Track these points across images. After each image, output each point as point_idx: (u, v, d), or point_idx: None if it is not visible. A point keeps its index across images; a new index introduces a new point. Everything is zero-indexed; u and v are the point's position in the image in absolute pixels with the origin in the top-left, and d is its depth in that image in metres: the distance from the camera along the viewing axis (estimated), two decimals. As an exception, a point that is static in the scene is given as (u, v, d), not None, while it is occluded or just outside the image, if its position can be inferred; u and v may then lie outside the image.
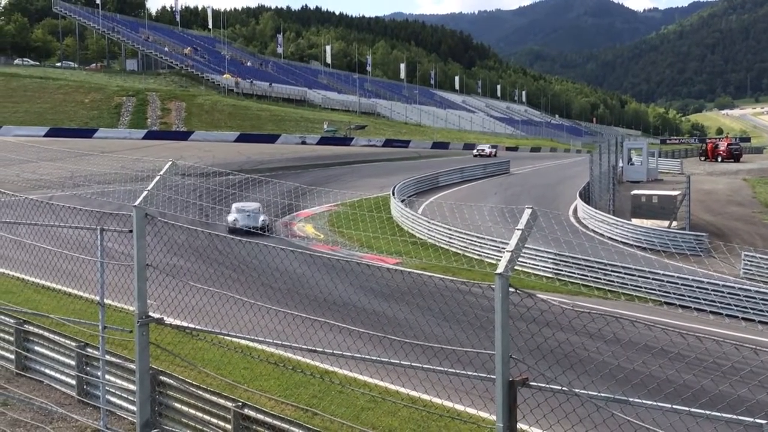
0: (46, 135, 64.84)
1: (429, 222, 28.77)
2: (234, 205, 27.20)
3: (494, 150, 79.30)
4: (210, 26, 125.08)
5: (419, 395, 8.19)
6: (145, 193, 7.41)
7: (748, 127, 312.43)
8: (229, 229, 25.18)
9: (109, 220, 9.17)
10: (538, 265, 23.37)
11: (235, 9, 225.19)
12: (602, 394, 5.24)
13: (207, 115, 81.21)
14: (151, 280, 7.52)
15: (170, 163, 7.77)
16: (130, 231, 7.41)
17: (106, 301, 8.29)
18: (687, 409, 4.85)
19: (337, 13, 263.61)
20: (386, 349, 7.56)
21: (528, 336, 6.06)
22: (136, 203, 7.30)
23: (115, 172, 30.71)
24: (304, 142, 77.32)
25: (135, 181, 27.03)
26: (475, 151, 79.30)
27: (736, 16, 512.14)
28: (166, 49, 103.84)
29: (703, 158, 72.39)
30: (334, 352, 6.73)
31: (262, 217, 26.82)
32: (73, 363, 9.66)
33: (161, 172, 7.63)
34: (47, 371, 10.22)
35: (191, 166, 20.91)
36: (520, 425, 5.27)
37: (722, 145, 73.45)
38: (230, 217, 26.65)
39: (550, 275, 22.86)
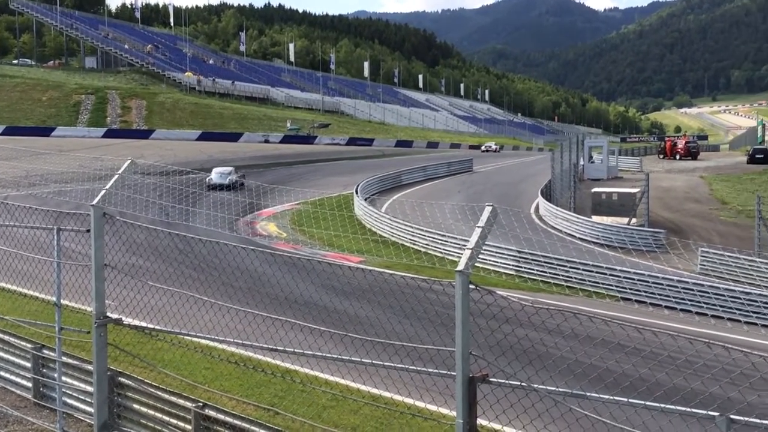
0: (2, 134, 63.90)
1: (392, 220, 28.82)
2: (213, 169, 38.47)
3: (499, 147, 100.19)
4: (171, 23, 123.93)
5: (381, 393, 8.21)
6: (103, 192, 7.32)
7: (705, 125, 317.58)
8: (207, 186, 32.78)
9: (66, 220, 9.04)
10: (500, 263, 23.55)
11: (196, 6, 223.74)
12: (560, 389, 5.29)
13: (168, 113, 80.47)
14: (109, 280, 7.43)
15: (129, 161, 7.69)
16: (88, 230, 7.31)
17: (63, 301, 8.17)
18: (643, 402, 4.92)
19: (300, 11, 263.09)
20: (348, 348, 7.55)
21: (488, 332, 6.10)
22: (94, 202, 7.21)
23: (73, 171, 30.28)
24: (267, 141, 76.94)
25: (93, 180, 26.70)
26: (483, 147, 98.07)
27: (694, 16, 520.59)
28: (126, 46, 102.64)
29: (661, 156, 73.45)
30: (296, 351, 6.71)
31: (230, 177, 36.61)
32: (29, 365, 9.50)
33: (119, 171, 7.54)
34: (2, 374, 10.03)
35: (152, 165, 20.69)
36: (480, 421, 5.30)
37: (680, 144, 74.57)
38: (208, 178, 35.33)
39: (511, 272, 23.04)
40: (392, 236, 27.90)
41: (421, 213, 28.60)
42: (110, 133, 69.70)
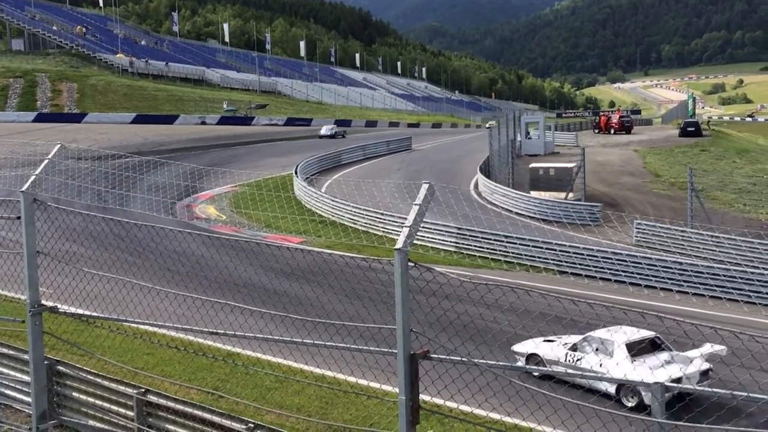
0: (-73, 120, 61.58)
1: (332, 200, 28.77)
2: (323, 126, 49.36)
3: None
4: (101, 4, 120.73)
5: (324, 372, 8.24)
6: (32, 177, 7.14)
7: (638, 99, 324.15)
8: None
9: (-4, 207, 8.81)
10: (439, 240, 23.73)
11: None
12: (500, 363, 5.39)
13: (101, 96, 78.64)
14: (43, 267, 7.28)
15: (59, 146, 7.52)
16: (18, 218, 7.14)
17: (-4, 291, 7.98)
18: (580, 372, 5.05)
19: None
20: (290, 329, 7.55)
21: (428, 309, 6.16)
22: (23, 188, 7.04)
23: (2, 157, 29.41)
24: (203, 123, 75.86)
25: (24, 166, 26.01)
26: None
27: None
28: (54, 28, 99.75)
29: (596, 131, 74.54)
30: (238, 333, 6.69)
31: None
32: (-37, 357, 9.26)
33: (49, 156, 7.37)
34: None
35: (86, 150, 20.26)
36: (422, 397, 5.36)
37: (614, 118, 75.77)
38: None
39: (451, 249, 23.26)
40: (333, 216, 27.87)
41: (359, 192, 28.61)
42: (41, 118, 67.81)
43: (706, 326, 4.82)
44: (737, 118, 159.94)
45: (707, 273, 19.09)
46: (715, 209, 32.11)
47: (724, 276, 18.77)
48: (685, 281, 19.05)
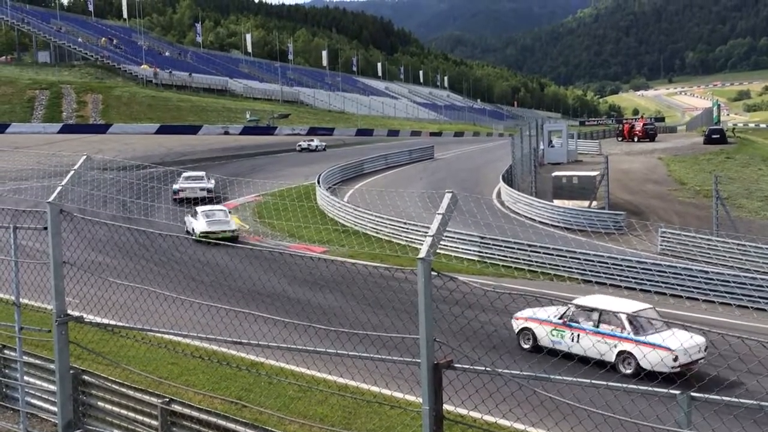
0: (-44, 132, 62.46)
1: (355, 209, 28.79)
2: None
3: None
4: (125, 16, 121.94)
5: (348, 382, 8.23)
6: (59, 188, 7.22)
7: (662, 107, 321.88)
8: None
9: (23, 218, 8.90)
10: (463, 249, 23.67)
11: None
12: (524, 373, 5.36)
13: (125, 107, 79.35)
14: (69, 277, 7.34)
15: (85, 157, 7.59)
16: (45, 228, 7.21)
17: (23, 300, 8.06)
18: (605, 383, 5.00)
19: (256, 1, 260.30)
20: (313, 338, 7.55)
21: (451, 319, 6.14)
22: (50, 199, 7.11)
23: (30, 168, 29.75)
24: (227, 133, 76.28)
25: (51, 177, 26.30)
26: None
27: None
28: (79, 40, 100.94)
29: (620, 139, 74.09)
30: (261, 343, 6.70)
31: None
32: (-10, 366, 9.36)
33: (75, 167, 7.44)
34: (-37, 376, 9.87)
35: (110, 160, 20.44)
36: (446, 407, 5.35)
37: (638, 126, 75.28)
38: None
39: (474, 258, 23.18)
40: (355, 225, 27.88)
41: (382, 202, 28.62)
42: (67, 129, 68.50)
43: (733, 336, 4.76)
44: (763, 125, 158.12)
45: (734, 282, 18.88)
46: (740, 217, 31.78)
47: (751, 285, 18.55)
48: (711, 290, 18.85)
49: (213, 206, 27.16)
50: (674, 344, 10.97)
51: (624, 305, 13.01)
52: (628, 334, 12.30)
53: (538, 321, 12.84)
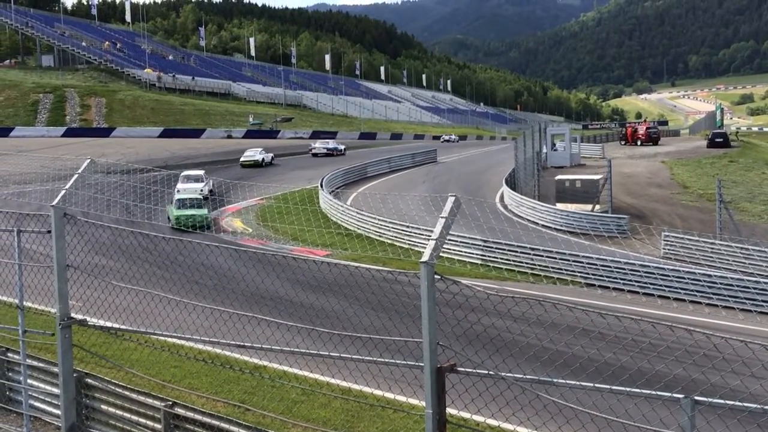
0: (-40, 135, 62.62)
1: (358, 213, 28.81)
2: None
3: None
4: (129, 20, 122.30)
5: (351, 386, 8.22)
6: (62, 192, 7.23)
7: (665, 110, 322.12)
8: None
9: (27, 221, 8.92)
10: (466, 252, 23.67)
11: (154, 2, 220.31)
12: (528, 377, 5.35)
13: (129, 110, 79.56)
14: (73, 280, 7.35)
15: (88, 160, 7.60)
16: (49, 232, 7.23)
17: (27, 303, 8.07)
18: (609, 387, 4.99)
19: (259, 4, 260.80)
20: (316, 342, 7.56)
21: (455, 322, 6.14)
22: (54, 203, 7.12)
23: (33, 172, 29.84)
24: (230, 136, 76.45)
25: (54, 181, 26.35)
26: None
27: (651, 2, 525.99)
28: (83, 44, 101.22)
29: (623, 142, 74.07)
30: (264, 346, 6.70)
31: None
32: (-6, 369, 9.37)
33: (79, 171, 7.46)
34: (-33, 379, 9.88)
35: (114, 164, 20.50)
36: (449, 410, 5.34)
37: (641, 129, 75.26)
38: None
39: (477, 261, 23.18)
40: (358, 229, 27.90)
41: (385, 205, 28.64)
42: (70, 132, 68.71)
43: (736, 339, 4.76)
44: (766, 129, 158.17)
45: (737, 286, 18.85)
46: (744, 221, 31.74)
47: (755, 289, 18.52)
48: (714, 294, 18.82)
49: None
50: None
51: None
52: None
53: None
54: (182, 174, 32.70)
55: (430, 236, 5.25)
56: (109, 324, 8.04)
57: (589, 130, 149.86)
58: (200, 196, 28.63)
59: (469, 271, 21.71)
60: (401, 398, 6.93)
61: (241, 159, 50.68)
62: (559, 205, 32.53)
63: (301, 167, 50.54)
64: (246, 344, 6.79)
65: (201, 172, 34.65)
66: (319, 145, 62.68)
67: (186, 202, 27.26)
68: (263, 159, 51.63)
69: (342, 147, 63.35)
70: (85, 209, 9.73)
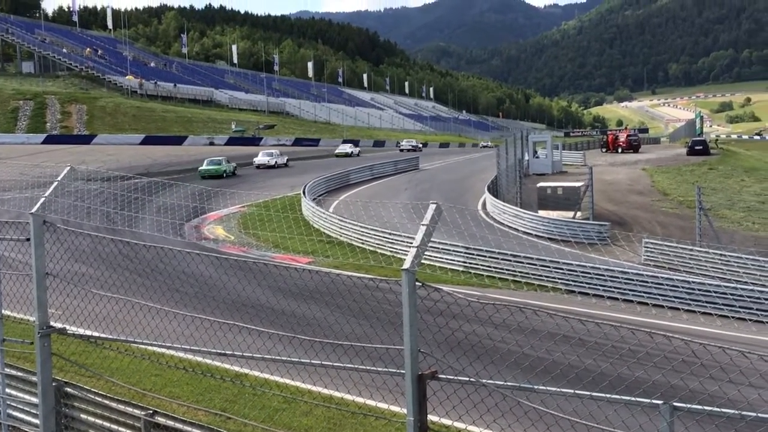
0: (-61, 142, 62.04)
1: (341, 220, 28.79)
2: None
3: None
4: (110, 26, 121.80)
5: (332, 393, 8.23)
6: (42, 199, 7.19)
7: (645, 118, 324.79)
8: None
9: (6, 229, 8.85)
10: (448, 259, 23.71)
11: (136, 9, 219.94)
12: (508, 383, 5.37)
13: (110, 117, 79.18)
14: (52, 289, 7.30)
15: (68, 168, 7.56)
16: (28, 239, 7.18)
17: (5, 312, 8.01)
18: (588, 393, 5.02)
19: (242, 11, 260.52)
20: (297, 349, 7.55)
21: (436, 329, 6.15)
22: (33, 210, 7.08)
23: (12, 179, 29.57)
24: (212, 143, 76.21)
25: (34, 188, 26.17)
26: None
27: (631, 11, 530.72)
28: (64, 50, 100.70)
29: (604, 150, 74.54)
30: (246, 354, 6.69)
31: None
32: (-29, 379, 9.27)
33: (59, 178, 7.42)
34: (-56, 388, 9.77)
35: (95, 171, 20.37)
36: (430, 417, 5.35)
37: (622, 137, 75.81)
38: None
39: (460, 269, 23.23)
40: (341, 236, 27.88)
41: (367, 213, 28.64)
42: (51, 139, 68.25)
43: (714, 345, 4.80)
44: (745, 137, 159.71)
45: (715, 292, 18.99)
46: (723, 228, 32.01)
47: (732, 295, 18.67)
48: (693, 300, 18.94)
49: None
50: None
51: None
52: None
53: None
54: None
55: (411, 244, 5.26)
56: (89, 332, 7.99)
57: (570, 137, 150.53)
58: (222, 158, 44.43)
59: (451, 279, 21.75)
60: (383, 405, 6.93)
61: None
62: (541, 212, 32.66)
63: (283, 174, 50.47)
64: (227, 352, 6.77)
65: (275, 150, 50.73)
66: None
67: (211, 161, 45.09)
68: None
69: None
70: (65, 217, 9.67)
